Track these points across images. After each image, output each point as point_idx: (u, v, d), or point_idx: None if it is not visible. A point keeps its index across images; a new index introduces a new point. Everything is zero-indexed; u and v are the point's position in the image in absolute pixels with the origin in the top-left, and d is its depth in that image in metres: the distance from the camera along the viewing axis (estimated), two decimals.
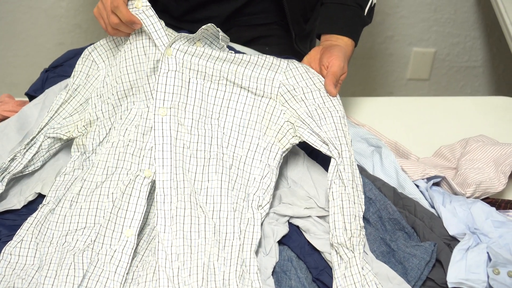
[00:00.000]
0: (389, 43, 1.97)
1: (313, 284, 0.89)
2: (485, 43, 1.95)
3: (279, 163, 0.97)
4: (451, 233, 0.93)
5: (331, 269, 0.89)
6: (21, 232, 0.92)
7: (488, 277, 0.88)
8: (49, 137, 1.02)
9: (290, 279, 0.89)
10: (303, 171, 1.01)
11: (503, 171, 1.02)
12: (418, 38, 1.94)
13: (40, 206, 0.95)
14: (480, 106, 1.26)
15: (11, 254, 0.89)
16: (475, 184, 1.01)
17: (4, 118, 1.12)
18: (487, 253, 0.89)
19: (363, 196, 0.93)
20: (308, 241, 0.93)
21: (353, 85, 2.06)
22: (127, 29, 1.01)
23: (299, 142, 0.97)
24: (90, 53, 1.07)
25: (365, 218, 0.97)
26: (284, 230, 0.94)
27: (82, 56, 1.08)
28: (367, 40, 1.96)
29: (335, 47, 1.06)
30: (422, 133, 1.20)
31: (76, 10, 1.88)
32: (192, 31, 1.04)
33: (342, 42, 1.09)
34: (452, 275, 0.88)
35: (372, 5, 1.13)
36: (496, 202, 1.01)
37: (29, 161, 1.01)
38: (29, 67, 2.00)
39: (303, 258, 0.91)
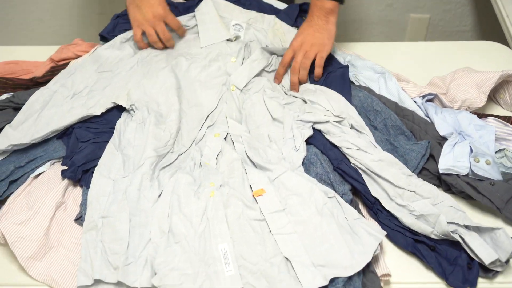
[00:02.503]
0: (388, 11, 2.21)
1: (334, 172, 1.14)
2: (473, 10, 2.19)
3: None
4: (441, 134, 1.18)
5: (348, 160, 1.14)
6: None
7: (470, 164, 1.12)
8: None
9: (316, 168, 1.13)
10: (317, 93, 1.25)
11: (483, 91, 1.26)
12: (414, 5, 2.18)
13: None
14: (468, 49, 1.50)
15: None
16: (461, 100, 1.25)
17: (78, 57, 1.36)
18: (470, 147, 1.14)
19: None
20: (329, 140, 1.17)
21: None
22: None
23: None
24: None
25: (373, 126, 1.22)
26: (309, 132, 1.18)
27: None
28: (369, 8, 2.20)
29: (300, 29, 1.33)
30: (418, 70, 1.43)
31: None
32: None
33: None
34: (442, 163, 1.13)
35: None
36: (477, 114, 1.25)
37: None
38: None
39: (325, 152, 1.16)
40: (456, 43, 1.54)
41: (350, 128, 1.18)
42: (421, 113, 1.23)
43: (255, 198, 1.08)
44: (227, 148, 1.18)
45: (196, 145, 1.20)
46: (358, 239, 1.00)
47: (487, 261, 0.98)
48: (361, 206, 1.12)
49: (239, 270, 0.98)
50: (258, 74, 1.31)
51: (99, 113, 1.22)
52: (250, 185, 1.10)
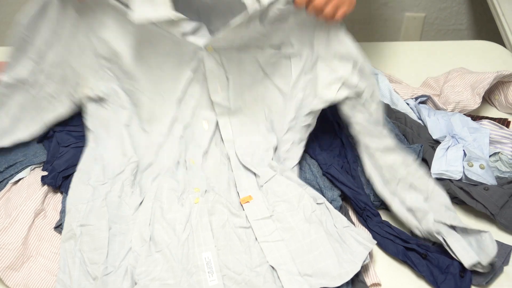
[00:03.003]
0: (383, 9, 2.18)
1: (323, 177, 1.10)
2: (469, 8, 2.15)
3: None
4: (434, 137, 1.15)
5: (338, 164, 1.10)
6: None
7: (463, 168, 1.09)
8: None
9: (305, 173, 1.10)
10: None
11: (478, 93, 1.23)
12: (410, 4, 2.15)
13: None
14: (463, 48, 1.47)
15: None
16: (455, 102, 1.22)
17: None
18: (463, 150, 1.11)
19: None
20: (319, 144, 1.14)
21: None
22: None
23: None
24: None
25: None
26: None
27: None
28: (364, 7, 2.16)
29: None
30: (411, 70, 1.40)
31: None
32: None
33: None
34: (435, 167, 1.09)
35: None
36: (472, 117, 1.22)
37: None
38: None
39: (314, 157, 1.12)
40: (451, 42, 1.50)
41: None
42: (413, 116, 1.20)
43: (241, 205, 1.04)
44: (215, 148, 1.13)
45: (185, 128, 1.14)
46: (347, 247, 0.97)
47: (467, 263, 0.96)
48: (350, 213, 1.08)
49: (223, 280, 0.94)
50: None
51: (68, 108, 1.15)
52: (238, 192, 1.07)
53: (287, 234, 0.99)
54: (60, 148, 1.13)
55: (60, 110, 1.14)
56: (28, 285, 0.98)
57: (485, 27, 2.15)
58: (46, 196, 1.09)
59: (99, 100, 1.14)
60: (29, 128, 1.13)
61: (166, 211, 1.02)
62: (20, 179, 1.12)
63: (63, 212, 1.05)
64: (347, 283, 0.94)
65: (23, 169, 1.12)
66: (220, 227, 1.01)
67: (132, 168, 1.08)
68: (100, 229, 0.99)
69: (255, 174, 1.09)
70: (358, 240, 0.97)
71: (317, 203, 1.02)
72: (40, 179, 1.10)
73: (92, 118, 1.14)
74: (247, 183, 1.08)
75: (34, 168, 1.14)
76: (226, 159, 1.13)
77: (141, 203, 1.04)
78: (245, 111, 1.15)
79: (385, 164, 1.06)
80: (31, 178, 1.11)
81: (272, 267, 0.95)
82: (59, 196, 1.10)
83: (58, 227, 1.05)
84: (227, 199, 1.05)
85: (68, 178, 1.09)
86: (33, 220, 1.04)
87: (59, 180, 1.08)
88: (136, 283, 0.94)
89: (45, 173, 1.11)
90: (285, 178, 1.06)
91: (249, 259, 0.97)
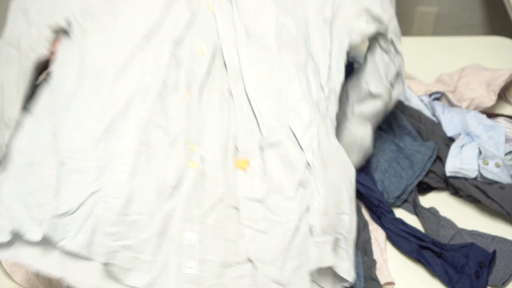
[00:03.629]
0: (395, 4, 2.15)
1: None
2: (482, 3, 2.13)
3: None
4: (449, 135, 1.13)
5: None
6: None
7: (479, 167, 1.07)
8: None
9: None
10: None
11: (493, 90, 1.21)
12: None
13: None
14: (477, 44, 1.45)
15: None
16: (470, 99, 1.20)
17: None
18: (479, 148, 1.09)
19: None
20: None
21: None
22: None
23: None
24: None
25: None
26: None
27: None
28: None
29: None
30: (425, 66, 1.38)
31: None
32: None
33: None
34: (450, 165, 1.08)
35: None
36: (487, 114, 1.20)
37: None
38: None
39: None
40: (464, 38, 1.48)
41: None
42: (427, 113, 1.18)
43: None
44: (216, 77, 0.90)
45: (175, 48, 0.89)
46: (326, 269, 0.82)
47: None
48: (363, 210, 1.07)
49: (201, 268, 0.79)
50: None
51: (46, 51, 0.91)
52: (235, 147, 0.86)
53: (274, 228, 0.82)
54: None
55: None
56: (35, 280, 0.97)
57: (498, 23, 2.12)
58: None
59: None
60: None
61: (156, 162, 0.82)
62: None
63: None
64: (360, 280, 0.92)
65: None
66: (212, 203, 0.83)
67: (89, 86, 0.86)
68: (46, 166, 0.81)
69: (258, 126, 0.87)
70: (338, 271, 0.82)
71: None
72: None
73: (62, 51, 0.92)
74: (248, 139, 0.86)
75: None
76: (227, 97, 0.89)
77: (112, 129, 0.83)
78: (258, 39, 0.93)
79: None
80: None
81: (250, 260, 0.81)
82: None
83: None
84: (224, 164, 0.85)
85: None
86: None
87: None
88: (102, 245, 0.77)
89: None
90: (292, 151, 0.85)
91: (235, 249, 0.81)
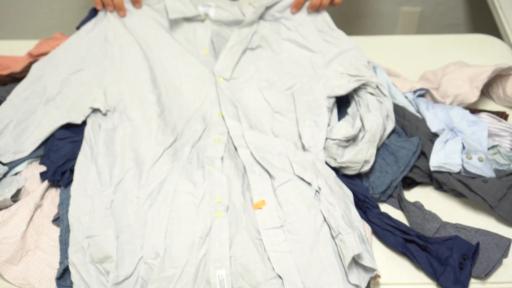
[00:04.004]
0: (380, 3, 2.17)
1: None
2: (465, 2, 2.16)
3: None
4: (433, 130, 1.15)
5: None
6: None
7: (462, 161, 1.09)
8: None
9: None
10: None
11: (476, 86, 1.23)
12: None
13: None
14: (461, 42, 1.47)
15: None
16: (453, 95, 1.22)
17: None
18: (462, 143, 1.11)
19: None
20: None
21: None
22: None
23: None
24: None
25: None
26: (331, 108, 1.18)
27: None
28: (360, 1, 2.16)
29: None
30: (409, 64, 1.40)
31: None
32: None
33: None
34: (434, 160, 1.09)
35: None
36: (470, 110, 1.22)
37: None
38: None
39: None
40: (448, 36, 1.50)
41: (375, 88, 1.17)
42: (412, 109, 1.20)
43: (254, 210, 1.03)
44: (228, 156, 1.12)
45: (192, 148, 1.13)
46: (352, 267, 0.95)
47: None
48: None
49: None
50: (243, 55, 1.24)
51: (79, 122, 1.16)
52: (251, 198, 1.05)
53: (296, 246, 0.97)
54: (55, 141, 1.12)
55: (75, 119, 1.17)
56: (27, 279, 0.98)
57: (481, 22, 2.15)
58: (45, 191, 1.08)
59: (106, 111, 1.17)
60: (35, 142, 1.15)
61: (185, 221, 1.00)
62: (17, 173, 1.11)
63: (61, 205, 1.04)
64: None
65: (20, 162, 1.12)
66: (239, 238, 0.98)
67: (132, 174, 1.06)
68: (107, 238, 0.97)
69: (269, 175, 1.07)
70: (364, 263, 0.95)
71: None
72: (38, 174, 1.09)
73: (93, 128, 1.15)
74: (262, 186, 1.05)
75: (31, 161, 1.14)
76: (240, 166, 1.11)
77: (150, 207, 1.02)
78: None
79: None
80: (29, 171, 1.11)
81: (279, 276, 0.94)
82: (55, 189, 1.09)
83: (56, 220, 1.04)
84: (244, 207, 1.03)
85: (65, 172, 1.08)
86: (33, 215, 1.04)
87: (58, 175, 1.07)
88: None
89: (43, 167, 1.11)
90: (300, 183, 1.04)
91: (265, 269, 0.95)
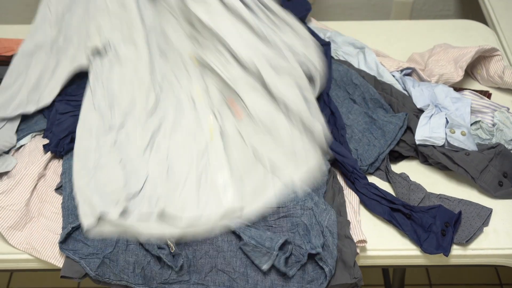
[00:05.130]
0: None
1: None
2: None
3: None
4: (418, 106, 1.20)
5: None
6: None
7: (446, 135, 1.14)
8: None
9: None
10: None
11: (460, 66, 1.28)
12: None
13: None
14: (448, 27, 1.52)
15: None
16: (438, 74, 1.27)
17: None
18: (446, 118, 1.16)
19: None
20: None
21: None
22: None
23: None
24: None
25: (352, 99, 1.23)
26: None
27: None
28: None
29: None
30: (399, 48, 1.45)
31: None
32: None
33: None
34: (419, 134, 1.14)
35: None
36: (454, 89, 1.27)
37: None
38: None
39: None
40: (436, 21, 1.55)
41: None
42: (399, 87, 1.25)
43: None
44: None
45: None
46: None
47: None
48: (338, 176, 1.13)
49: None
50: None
51: (85, 62, 1.20)
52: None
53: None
54: (57, 116, 1.17)
55: (82, 62, 1.21)
56: (31, 243, 1.02)
57: (471, 13, 2.20)
58: (49, 162, 1.13)
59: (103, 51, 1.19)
60: (53, 91, 1.20)
61: (183, 144, 1.09)
62: (21, 146, 1.16)
63: (63, 174, 1.09)
64: (334, 238, 0.99)
65: (24, 136, 1.17)
66: (235, 150, 1.07)
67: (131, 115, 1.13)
68: (114, 167, 1.04)
69: None
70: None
71: None
72: (41, 146, 1.14)
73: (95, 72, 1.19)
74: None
75: (35, 135, 1.18)
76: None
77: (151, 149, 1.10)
78: None
79: None
80: (32, 144, 1.16)
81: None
82: (58, 161, 1.14)
83: (59, 189, 1.09)
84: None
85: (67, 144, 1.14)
86: (36, 184, 1.09)
87: (60, 147, 1.12)
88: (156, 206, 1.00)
89: (46, 140, 1.15)
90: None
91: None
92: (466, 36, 1.47)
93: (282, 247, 0.97)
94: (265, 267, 0.97)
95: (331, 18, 2.24)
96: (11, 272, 1.85)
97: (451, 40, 1.43)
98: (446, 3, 2.24)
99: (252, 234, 0.98)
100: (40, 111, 1.20)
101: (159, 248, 0.98)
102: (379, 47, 1.41)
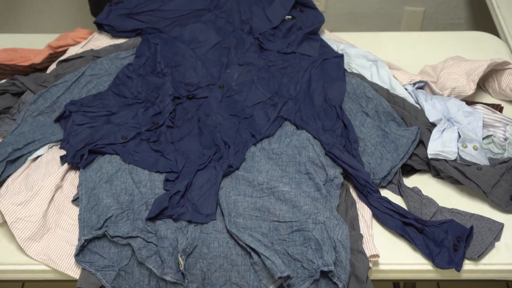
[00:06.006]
0: (383, 3, 2.24)
1: (326, 156, 1.16)
2: (467, 2, 2.22)
3: None
4: (431, 120, 1.21)
5: (340, 144, 1.16)
6: None
7: (458, 149, 1.15)
8: None
9: (308, 151, 1.16)
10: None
11: (473, 80, 1.29)
12: None
13: None
14: (459, 39, 1.52)
15: None
16: (451, 88, 1.28)
17: (77, 43, 1.39)
18: (458, 133, 1.17)
19: None
20: (322, 125, 1.20)
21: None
22: None
23: None
24: None
25: (365, 112, 1.24)
26: None
27: None
28: (365, 1, 2.22)
29: None
30: (410, 59, 1.46)
31: None
32: None
33: None
34: (431, 148, 1.15)
35: None
36: (466, 102, 1.28)
37: None
38: None
39: (317, 137, 1.18)
40: (448, 33, 1.56)
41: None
42: (411, 100, 1.26)
43: None
44: None
45: None
46: None
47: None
48: (351, 190, 1.15)
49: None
50: None
51: None
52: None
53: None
54: (74, 127, 1.19)
55: None
56: (48, 254, 1.04)
57: (482, 21, 2.21)
58: (66, 173, 1.15)
59: None
60: None
61: None
62: (38, 156, 1.18)
63: (80, 186, 1.11)
64: (347, 252, 1.00)
65: (41, 146, 1.18)
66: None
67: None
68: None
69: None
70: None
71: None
72: (58, 157, 1.16)
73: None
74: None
75: (52, 146, 1.20)
76: None
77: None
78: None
79: None
80: (49, 155, 1.17)
81: None
82: (75, 172, 1.16)
83: (76, 200, 1.11)
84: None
85: (83, 156, 1.15)
86: (53, 195, 1.10)
87: (77, 158, 1.14)
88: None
89: (63, 151, 1.17)
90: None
91: None
92: (478, 48, 1.48)
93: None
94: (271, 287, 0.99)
95: (342, 26, 2.26)
96: (23, 282, 1.87)
97: (462, 51, 1.44)
98: (457, 12, 2.24)
99: (262, 255, 0.99)
100: (57, 121, 1.22)
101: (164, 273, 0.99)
102: (390, 57, 1.42)
